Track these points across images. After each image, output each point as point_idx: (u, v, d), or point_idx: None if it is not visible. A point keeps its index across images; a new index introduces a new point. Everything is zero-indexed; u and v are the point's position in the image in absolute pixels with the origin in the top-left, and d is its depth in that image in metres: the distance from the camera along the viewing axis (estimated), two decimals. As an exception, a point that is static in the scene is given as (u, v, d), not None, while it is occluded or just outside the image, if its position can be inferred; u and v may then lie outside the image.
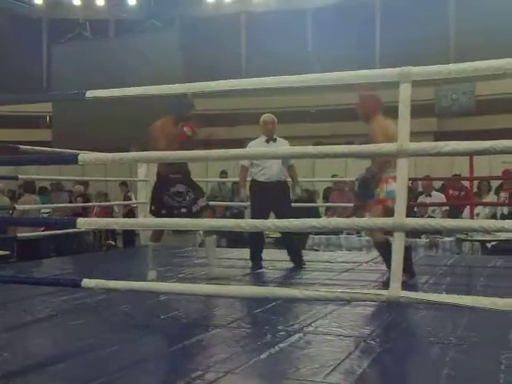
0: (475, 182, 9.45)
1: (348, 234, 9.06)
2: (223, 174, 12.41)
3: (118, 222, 3.59)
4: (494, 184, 10.73)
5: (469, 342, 3.20)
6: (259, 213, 5.59)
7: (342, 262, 6.44)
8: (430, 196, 9.40)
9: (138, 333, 3.44)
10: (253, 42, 23.16)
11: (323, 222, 3.01)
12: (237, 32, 23.88)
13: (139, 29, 21.49)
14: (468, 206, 8.68)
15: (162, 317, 3.80)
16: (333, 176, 11.89)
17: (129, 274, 4.98)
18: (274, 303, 4.10)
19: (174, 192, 5.02)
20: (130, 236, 11.28)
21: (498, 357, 2.91)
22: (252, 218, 3.23)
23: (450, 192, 10.28)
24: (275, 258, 6.54)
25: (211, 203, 6.28)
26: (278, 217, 5.61)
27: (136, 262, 6.80)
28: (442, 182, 11.81)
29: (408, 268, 4.97)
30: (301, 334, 3.38)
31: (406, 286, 3.01)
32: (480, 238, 8.65)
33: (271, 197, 5.94)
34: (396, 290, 2.72)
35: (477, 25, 19.53)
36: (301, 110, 20.44)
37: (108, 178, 12.62)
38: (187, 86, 3.37)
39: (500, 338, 3.30)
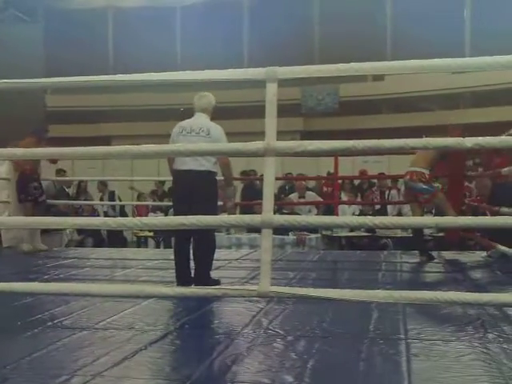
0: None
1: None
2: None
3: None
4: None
5: (333, 334, 3.32)
6: None
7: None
8: (304, 197, 9.64)
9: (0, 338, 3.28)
10: (120, 37, 22.72)
11: (192, 219, 3.00)
12: (104, 26, 23.34)
13: (-3, 18, 20.50)
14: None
15: (27, 320, 3.64)
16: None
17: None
18: (145, 302, 4.05)
19: None
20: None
21: (359, 347, 3.05)
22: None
23: (325, 189, 10.69)
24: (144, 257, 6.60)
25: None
26: None
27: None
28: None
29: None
30: (170, 333, 3.37)
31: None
32: (344, 234, 9.02)
33: None
34: (266, 286, 2.77)
35: (340, 27, 20.25)
36: (169, 108, 20.22)
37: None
38: (47, 80, 3.25)
39: (362, 328, 3.45)
